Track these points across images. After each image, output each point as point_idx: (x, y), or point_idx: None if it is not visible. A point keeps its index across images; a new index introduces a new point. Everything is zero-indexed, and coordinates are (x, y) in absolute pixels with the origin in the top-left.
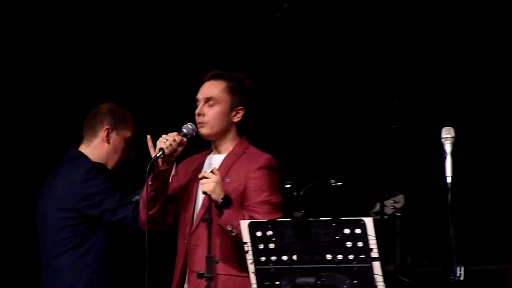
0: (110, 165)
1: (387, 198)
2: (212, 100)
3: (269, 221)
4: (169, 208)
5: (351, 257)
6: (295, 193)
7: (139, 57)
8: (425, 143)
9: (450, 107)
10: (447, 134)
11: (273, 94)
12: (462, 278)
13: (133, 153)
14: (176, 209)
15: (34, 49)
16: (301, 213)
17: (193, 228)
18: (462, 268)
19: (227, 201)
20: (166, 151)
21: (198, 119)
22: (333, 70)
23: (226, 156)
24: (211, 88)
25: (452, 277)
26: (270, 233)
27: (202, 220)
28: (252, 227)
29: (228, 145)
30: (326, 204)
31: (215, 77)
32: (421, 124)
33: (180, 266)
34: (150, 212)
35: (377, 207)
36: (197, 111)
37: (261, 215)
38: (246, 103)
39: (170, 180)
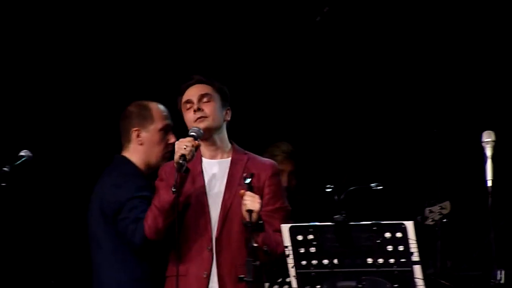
0: (154, 161)
1: (434, 204)
2: (207, 96)
3: (310, 225)
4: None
5: (392, 260)
6: (335, 197)
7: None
8: (466, 147)
9: (491, 110)
10: (488, 138)
11: (310, 94)
12: (502, 281)
13: (175, 138)
14: (183, 217)
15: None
16: (342, 217)
17: (217, 234)
18: (503, 272)
19: (262, 224)
20: (188, 156)
21: (197, 114)
22: (377, 73)
23: (231, 161)
24: (202, 88)
25: (492, 280)
26: (311, 237)
27: (244, 224)
28: (293, 231)
29: (222, 149)
30: (367, 208)
31: (200, 82)
32: (462, 128)
33: (205, 273)
34: (169, 220)
35: (426, 212)
36: (194, 107)
37: (279, 221)
38: (229, 108)
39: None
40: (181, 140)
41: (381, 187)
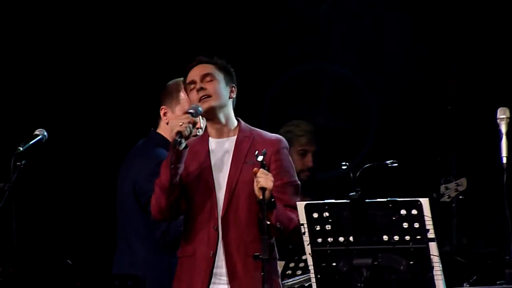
0: None
1: (450, 181)
2: (209, 76)
3: (326, 203)
4: (182, 196)
5: (407, 238)
6: (351, 174)
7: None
8: (481, 123)
9: (506, 87)
10: (503, 115)
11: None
12: None
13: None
14: (190, 196)
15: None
16: (357, 194)
17: (223, 213)
18: None
19: (274, 202)
20: (184, 133)
21: (200, 93)
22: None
23: (237, 139)
24: (204, 68)
25: (507, 257)
26: (326, 214)
27: (257, 202)
28: (309, 209)
29: (228, 128)
30: (382, 185)
31: (202, 62)
32: (477, 104)
33: (211, 253)
34: (172, 197)
35: (442, 189)
36: (197, 86)
37: (288, 195)
38: (235, 85)
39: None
40: (177, 117)
41: (396, 164)
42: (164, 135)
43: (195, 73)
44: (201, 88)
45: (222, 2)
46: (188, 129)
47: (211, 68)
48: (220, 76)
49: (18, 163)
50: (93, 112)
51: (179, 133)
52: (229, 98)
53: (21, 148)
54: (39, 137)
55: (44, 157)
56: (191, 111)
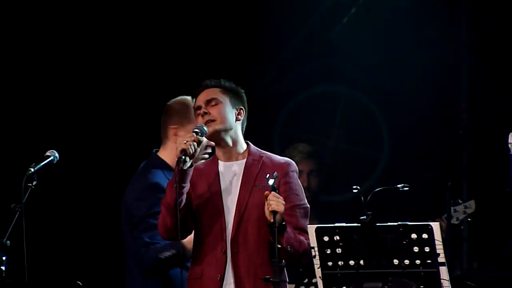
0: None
1: (459, 204)
2: (214, 100)
3: (336, 226)
4: (189, 216)
5: (418, 262)
6: (362, 198)
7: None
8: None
9: None
10: None
11: None
12: None
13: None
14: (199, 218)
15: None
16: (368, 218)
17: (232, 236)
18: None
19: (285, 225)
20: (189, 150)
21: (205, 118)
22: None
23: (246, 162)
24: (209, 92)
25: None
26: (337, 237)
27: (268, 225)
28: (319, 232)
29: (237, 151)
30: (393, 209)
31: (208, 86)
32: (488, 129)
33: (219, 276)
34: (178, 217)
35: (451, 212)
36: (201, 112)
37: (297, 219)
38: (244, 106)
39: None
40: (182, 136)
41: (407, 188)
42: (170, 156)
43: (200, 99)
44: (205, 113)
45: (233, 22)
46: (192, 147)
47: (216, 92)
48: (225, 100)
49: (29, 184)
50: (104, 132)
51: (184, 151)
52: (236, 120)
53: (32, 169)
54: (50, 159)
55: (55, 178)
56: (196, 130)
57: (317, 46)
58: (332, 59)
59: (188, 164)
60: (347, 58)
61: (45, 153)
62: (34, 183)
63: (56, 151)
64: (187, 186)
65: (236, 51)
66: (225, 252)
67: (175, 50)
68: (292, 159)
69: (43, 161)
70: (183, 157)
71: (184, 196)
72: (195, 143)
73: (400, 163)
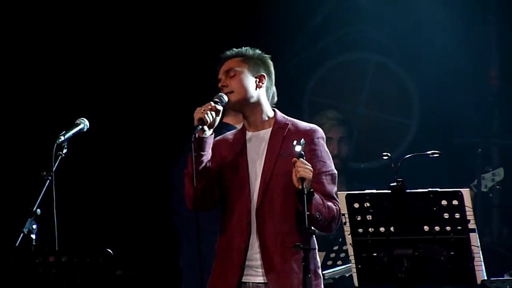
0: None
1: (487, 171)
2: (231, 71)
3: (367, 193)
4: (215, 186)
5: (448, 228)
6: (392, 164)
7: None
8: None
9: None
10: None
11: None
12: None
13: None
14: (225, 189)
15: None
16: (398, 185)
17: (257, 205)
18: None
19: (313, 192)
20: (206, 119)
21: (224, 90)
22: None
23: (272, 131)
24: (227, 64)
25: None
26: (367, 204)
27: (296, 192)
28: (350, 199)
29: (262, 119)
30: (423, 176)
31: (226, 58)
32: None
33: (243, 246)
34: (199, 186)
35: (477, 180)
36: (220, 84)
37: (324, 185)
38: (267, 72)
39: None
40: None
41: (438, 155)
42: (233, 120)
43: (220, 72)
44: (224, 86)
45: None
46: (210, 116)
47: (233, 63)
48: (243, 69)
49: (59, 153)
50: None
51: (201, 120)
52: (257, 88)
53: (62, 138)
54: (80, 127)
55: (87, 146)
56: (216, 99)
57: (346, 13)
58: (361, 25)
59: (209, 132)
60: (376, 25)
61: (75, 121)
62: (65, 151)
63: (87, 119)
64: (206, 154)
65: (265, 19)
66: (249, 222)
67: (198, 22)
68: (321, 126)
69: (73, 129)
70: (200, 125)
71: (207, 165)
72: (212, 112)
73: (430, 130)
